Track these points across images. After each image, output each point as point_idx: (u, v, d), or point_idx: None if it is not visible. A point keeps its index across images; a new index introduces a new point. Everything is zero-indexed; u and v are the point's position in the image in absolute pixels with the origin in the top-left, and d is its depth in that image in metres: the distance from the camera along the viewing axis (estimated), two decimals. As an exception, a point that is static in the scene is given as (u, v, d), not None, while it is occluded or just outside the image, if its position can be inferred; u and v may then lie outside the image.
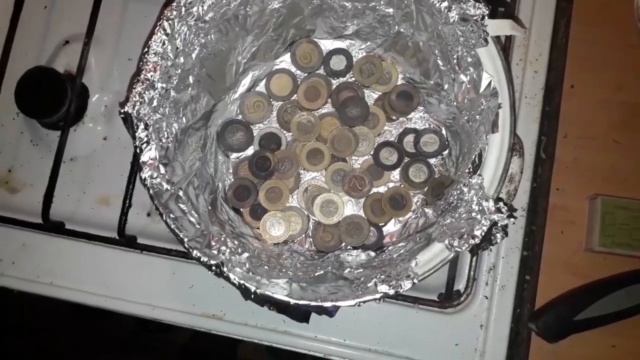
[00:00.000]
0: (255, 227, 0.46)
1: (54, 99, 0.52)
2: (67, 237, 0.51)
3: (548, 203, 0.48)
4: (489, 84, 0.36)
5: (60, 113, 0.52)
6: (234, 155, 0.49)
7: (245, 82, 0.48)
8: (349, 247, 0.46)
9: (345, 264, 0.41)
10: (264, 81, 0.49)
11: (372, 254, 0.43)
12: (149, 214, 0.53)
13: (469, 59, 0.38)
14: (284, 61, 0.49)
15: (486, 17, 0.36)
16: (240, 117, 0.49)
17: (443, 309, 0.47)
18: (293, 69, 0.49)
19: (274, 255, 0.43)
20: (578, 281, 0.46)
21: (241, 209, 0.47)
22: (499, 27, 0.36)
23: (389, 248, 0.42)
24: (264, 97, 0.48)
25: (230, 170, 0.48)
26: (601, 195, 0.46)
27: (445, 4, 0.37)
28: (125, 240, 0.49)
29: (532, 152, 0.48)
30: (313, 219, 0.47)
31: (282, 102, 0.49)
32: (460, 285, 0.47)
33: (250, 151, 0.48)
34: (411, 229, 0.45)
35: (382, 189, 0.47)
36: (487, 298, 0.47)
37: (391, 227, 0.47)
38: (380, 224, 0.47)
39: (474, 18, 0.36)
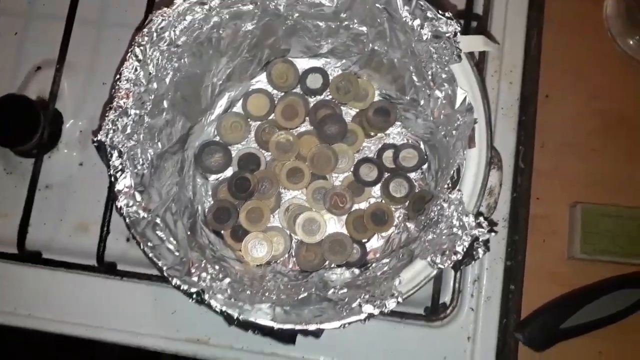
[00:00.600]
0: (237, 250, 0.46)
1: (26, 127, 0.51)
2: (45, 266, 0.50)
3: (529, 212, 0.48)
4: (464, 99, 0.36)
5: (34, 141, 0.51)
6: (212, 177, 0.48)
7: (222, 103, 0.48)
8: (332, 265, 0.45)
9: (330, 284, 0.41)
10: (240, 102, 0.48)
11: (357, 271, 0.43)
12: (128, 240, 0.52)
13: (444, 75, 0.38)
14: (260, 81, 0.49)
15: (458, 34, 0.36)
16: (217, 138, 0.48)
17: (430, 323, 0.47)
18: (269, 88, 0.49)
19: (257, 277, 0.42)
20: (562, 289, 0.46)
21: (222, 232, 0.46)
22: (472, 43, 0.36)
23: (373, 265, 0.42)
24: (241, 117, 0.48)
25: (210, 193, 0.48)
26: (581, 203, 0.46)
27: (417, 21, 0.37)
28: (105, 267, 0.48)
29: (510, 163, 0.48)
30: (295, 239, 0.47)
31: (259, 122, 0.48)
32: (445, 298, 0.47)
33: (229, 172, 0.48)
34: (394, 244, 0.45)
35: (363, 205, 0.47)
36: (473, 310, 0.47)
37: (374, 243, 0.47)
38: (364, 241, 0.46)
39: (447, 35, 0.36)
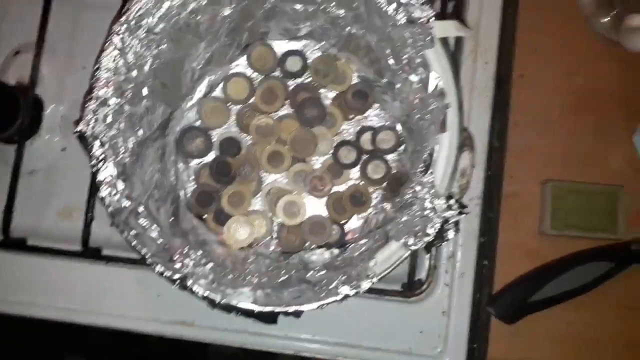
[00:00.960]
0: (219, 233, 0.47)
1: (6, 113, 0.51)
2: (30, 253, 0.51)
3: (502, 190, 0.49)
4: (437, 84, 0.37)
5: (14, 127, 0.51)
6: (194, 162, 0.49)
7: (202, 88, 0.48)
8: (313, 246, 0.47)
9: (310, 265, 0.42)
10: (220, 86, 0.49)
11: (336, 251, 0.44)
12: (112, 224, 0.52)
13: (418, 60, 0.39)
14: (240, 65, 0.49)
15: (432, 20, 0.36)
16: (198, 123, 0.49)
17: (406, 299, 0.48)
18: (249, 72, 0.49)
19: (239, 260, 0.44)
20: (533, 264, 0.48)
21: (204, 216, 0.47)
22: (445, 28, 0.37)
23: (351, 245, 0.43)
24: (222, 101, 0.49)
25: (192, 178, 0.48)
26: (551, 180, 0.48)
27: (392, 6, 0.38)
28: (90, 252, 0.49)
29: (484, 142, 0.49)
30: (277, 221, 0.48)
31: (240, 106, 0.49)
32: (421, 275, 0.49)
33: (210, 157, 0.48)
34: (372, 224, 0.46)
35: (342, 187, 0.48)
36: (447, 285, 0.49)
37: (353, 224, 0.48)
38: (342, 222, 0.48)
39: (420, 21, 0.37)
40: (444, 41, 0.38)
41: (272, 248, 0.48)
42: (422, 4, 0.37)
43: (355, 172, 0.48)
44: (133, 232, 0.37)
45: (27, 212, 0.52)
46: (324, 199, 0.48)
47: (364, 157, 0.48)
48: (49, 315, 0.51)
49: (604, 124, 0.50)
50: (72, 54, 0.55)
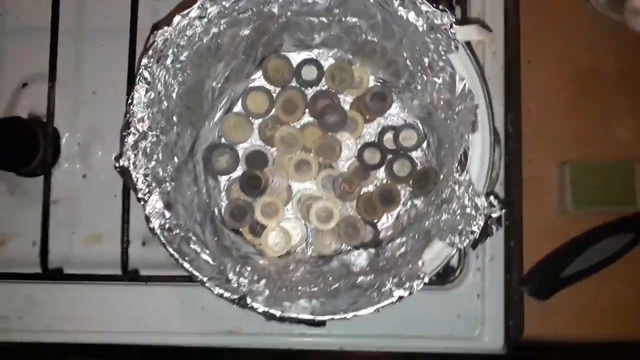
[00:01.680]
0: (257, 244, 0.48)
1: (26, 148, 0.51)
2: (69, 281, 0.51)
3: (522, 174, 0.51)
4: (464, 86, 0.39)
5: (36, 161, 0.52)
6: (223, 178, 0.50)
7: (222, 105, 0.49)
8: (349, 247, 0.48)
9: (352, 267, 0.44)
10: (240, 101, 0.50)
11: (372, 250, 0.46)
12: (143, 244, 0.54)
13: (441, 64, 0.40)
14: (257, 78, 0.50)
15: (454, 25, 0.38)
16: (222, 140, 0.50)
17: (442, 286, 0.51)
18: (267, 84, 0.50)
19: (281, 268, 0.45)
20: (559, 242, 0.50)
21: (241, 230, 0.49)
22: (467, 33, 0.38)
23: (388, 245, 0.45)
24: (243, 116, 0.49)
25: (223, 194, 0.49)
26: (568, 162, 0.50)
27: (412, 14, 0.39)
28: (130, 275, 0.50)
29: (501, 129, 0.51)
30: (311, 227, 0.49)
31: (261, 119, 0.50)
32: (453, 262, 0.51)
33: (238, 172, 0.49)
34: (404, 221, 0.48)
35: (370, 188, 0.50)
36: (479, 270, 0.51)
37: (385, 222, 0.50)
38: (374, 221, 0.49)
39: (442, 27, 0.38)
40: (467, 44, 0.39)
41: (309, 253, 0.49)
42: (443, 10, 0.38)
43: (381, 172, 0.50)
44: (187, 259, 0.38)
45: (57, 242, 0.53)
46: (355, 201, 0.49)
47: (389, 156, 0.49)
48: (95, 340, 0.52)
49: (610, 103, 0.52)
50: (80, 80, 0.55)
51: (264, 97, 0.49)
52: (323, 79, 0.49)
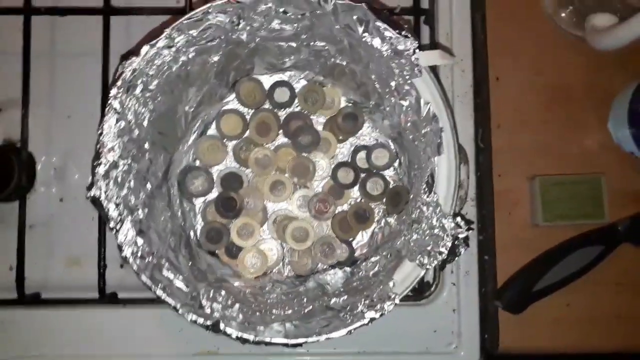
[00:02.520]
0: (234, 266, 0.49)
1: (1, 175, 0.51)
2: (47, 306, 0.51)
3: (493, 188, 0.52)
4: (428, 110, 0.40)
5: (11, 186, 0.52)
6: (199, 201, 0.50)
7: (196, 129, 0.49)
8: (325, 266, 0.49)
9: (327, 288, 0.45)
10: (214, 124, 0.50)
11: (348, 269, 0.47)
12: (122, 266, 0.54)
13: (406, 87, 0.41)
14: (230, 101, 0.50)
15: (417, 51, 0.39)
16: (197, 162, 0.50)
17: (417, 302, 0.51)
18: (240, 107, 0.50)
19: (257, 289, 0.46)
20: (531, 255, 0.51)
21: (216, 252, 0.49)
22: (430, 58, 0.39)
23: (363, 264, 0.46)
24: (217, 139, 0.50)
25: (198, 217, 0.50)
26: (538, 176, 0.51)
27: (377, 40, 0.40)
28: (107, 299, 0.50)
29: (471, 145, 0.52)
30: (287, 247, 0.50)
31: (235, 141, 0.50)
32: (428, 277, 0.51)
33: (214, 194, 0.50)
34: (378, 239, 0.49)
35: (345, 207, 0.50)
36: (454, 284, 0.52)
37: (360, 241, 0.50)
38: (350, 240, 0.50)
39: (405, 53, 0.39)
40: (431, 68, 0.40)
41: (285, 273, 0.50)
42: (406, 36, 0.39)
43: (355, 191, 0.51)
44: (160, 286, 0.38)
45: (34, 267, 0.53)
46: (330, 220, 0.50)
47: (362, 175, 0.50)
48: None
49: (578, 116, 0.53)
50: (54, 104, 0.55)
51: (238, 119, 0.50)
52: (296, 101, 0.50)
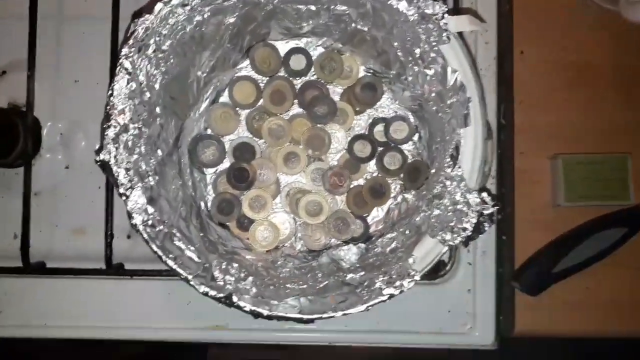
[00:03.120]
0: (245, 239, 0.47)
1: (6, 139, 0.50)
2: (51, 275, 0.50)
3: (514, 167, 0.50)
4: (456, 78, 0.38)
5: (16, 151, 0.50)
6: (210, 171, 0.49)
7: (208, 96, 0.47)
8: (339, 242, 0.47)
9: (341, 263, 0.43)
10: (226, 91, 0.48)
11: (362, 245, 0.45)
12: (129, 236, 0.52)
13: (432, 54, 0.39)
14: (244, 67, 0.48)
15: (446, 15, 0.36)
16: (209, 131, 0.48)
17: (432, 281, 0.50)
18: (254, 74, 0.48)
19: (269, 264, 0.44)
20: (551, 236, 0.49)
21: (228, 224, 0.47)
22: (459, 23, 0.37)
23: (379, 240, 0.44)
24: (230, 107, 0.48)
25: (209, 187, 0.48)
26: (561, 155, 0.49)
27: (403, 3, 0.38)
28: (114, 270, 0.49)
29: (493, 121, 0.50)
30: (300, 221, 0.48)
31: (249, 110, 0.48)
32: (444, 256, 0.50)
33: (225, 164, 0.48)
34: (394, 215, 0.47)
35: (361, 181, 0.49)
36: (470, 264, 0.50)
37: (375, 217, 0.49)
38: (365, 215, 0.48)
39: (434, 17, 0.37)
40: (459, 35, 0.38)
41: (298, 248, 0.48)
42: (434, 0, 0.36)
43: (372, 165, 0.49)
44: (171, 256, 0.37)
45: (39, 235, 0.52)
46: (344, 195, 0.48)
47: (379, 149, 0.48)
48: (79, 335, 0.51)
49: (603, 94, 0.51)
50: (61, 69, 0.53)
51: (251, 87, 0.48)
52: (312, 69, 0.48)
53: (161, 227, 0.37)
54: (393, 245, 0.41)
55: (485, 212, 0.36)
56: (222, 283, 0.37)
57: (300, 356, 0.74)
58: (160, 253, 0.37)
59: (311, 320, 0.42)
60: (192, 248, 0.38)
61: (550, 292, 0.49)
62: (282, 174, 0.48)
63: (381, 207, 0.48)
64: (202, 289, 0.36)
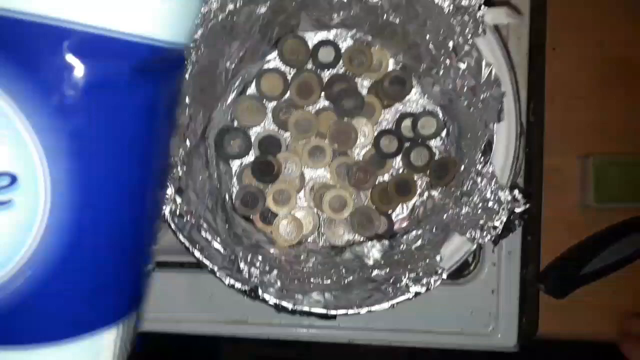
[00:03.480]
0: (268, 233, 0.47)
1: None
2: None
3: (542, 165, 0.50)
4: (490, 72, 0.37)
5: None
6: (235, 163, 0.48)
7: (236, 87, 0.47)
8: (362, 238, 0.47)
9: (365, 260, 0.43)
10: (254, 83, 0.48)
11: (386, 242, 0.45)
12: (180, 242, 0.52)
13: (466, 48, 0.38)
14: (272, 59, 0.48)
15: (482, 7, 0.36)
16: (235, 123, 0.48)
17: (455, 281, 0.49)
18: (281, 66, 0.48)
19: (292, 258, 0.44)
20: (578, 237, 0.48)
21: (251, 217, 0.47)
22: (495, 15, 0.36)
23: (403, 237, 0.43)
24: (257, 99, 0.48)
25: (234, 180, 0.48)
26: (592, 154, 0.48)
27: (438, -5, 0.37)
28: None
29: (523, 118, 0.49)
30: (323, 216, 0.48)
31: (275, 102, 0.48)
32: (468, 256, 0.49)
33: (251, 157, 0.48)
34: (420, 213, 0.46)
35: (386, 177, 0.48)
36: (494, 265, 0.49)
37: (400, 214, 0.48)
38: (389, 212, 0.48)
39: (470, 9, 0.36)
40: (495, 28, 0.37)
41: (321, 243, 0.48)
42: (471, -9, 0.36)
43: (398, 161, 0.48)
44: (198, 247, 0.37)
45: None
46: (369, 190, 0.48)
47: (406, 144, 0.47)
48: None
49: (638, 93, 0.50)
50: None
51: (279, 79, 0.47)
52: (340, 62, 0.47)
53: (188, 217, 0.37)
54: (419, 242, 0.41)
55: (517, 209, 0.35)
56: (247, 276, 0.37)
57: (313, 355, 0.74)
58: (187, 244, 0.36)
59: (333, 317, 0.42)
60: (219, 239, 0.38)
61: (576, 295, 0.48)
62: (307, 167, 0.48)
63: (406, 204, 0.48)
64: (228, 281, 0.36)
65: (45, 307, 0.21)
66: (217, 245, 0.37)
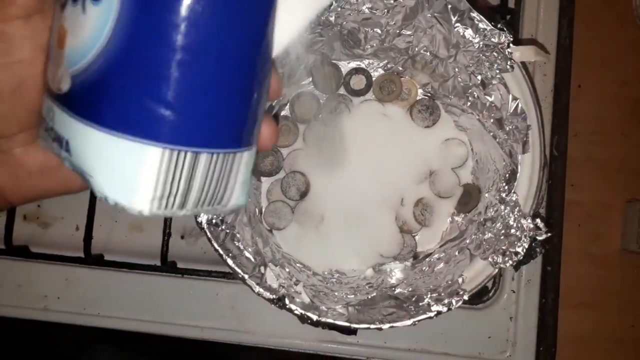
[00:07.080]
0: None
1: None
2: (109, 268, 0.53)
3: (564, 198, 0.51)
4: (517, 106, 0.39)
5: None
6: (266, 179, 0.51)
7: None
8: (385, 258, 0.48)
9: (387, 279, 0.44)
10: (287, 105, 0.50)
11: (408, 263, 0.46)
12: (182, 237, 0.55)
13: (494, 82, 0.40)
14: (306, 84, 0.51)
15: (511, 45, 0.38)
16: (268, 142, 0.50)
17: (474, 306, 0.50)
18: (315, 90, 0.50)
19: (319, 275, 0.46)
20: (598, 269, 0.49)
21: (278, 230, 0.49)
22: (524, 53, 0.38)
23: (427, 259, 0.45)
24: (290, 121, 0.50)
25: (264, 195, 0.50)
26: (637, 200, 0.49)
27: (469, 32, 0.39)
28: (168, 267, 0.51)
29: (546, 152, 0.51)
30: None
31: (307, 124, 0.50)
32: (487, 282, 0.50)
33: (281, 174, 0.50)
34: (443, 236, 0.48)
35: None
36: (514, 292, 0.50)
37: (423, 236, 0.49)
38: (413, 234, 0.49)
39: (499, 46, 0.38)
40: (522, 64, 0.39)
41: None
42: (501, 29, 0.38)
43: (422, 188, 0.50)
44: (230, 255, 0.39)
45: (99, 229, 0.54)
46: (394, 213, 0.49)
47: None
48: (125, 327, 0.53)
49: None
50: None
51: (312, 102, 0.50)
52: (371, 89, 0.50)
53: (223, 227, 0.39)
54: (441, 265, 0.42)
55: (539, 237, 0.37)
56: (276, 286, 0.39)
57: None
58: (221, 251, 0.38)
59: (354, 331, 0.44)
60: (250, 249, 0.40)
61: (595, 327, 0.48)
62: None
63: (430, 227, 0.49)
64: (257, 289, 0.38)
65: (114, 93, 0.21)
66: (248, 254, 0.39)
